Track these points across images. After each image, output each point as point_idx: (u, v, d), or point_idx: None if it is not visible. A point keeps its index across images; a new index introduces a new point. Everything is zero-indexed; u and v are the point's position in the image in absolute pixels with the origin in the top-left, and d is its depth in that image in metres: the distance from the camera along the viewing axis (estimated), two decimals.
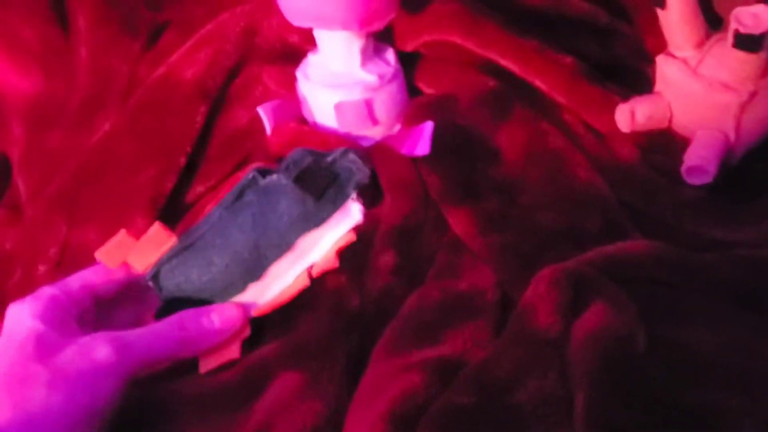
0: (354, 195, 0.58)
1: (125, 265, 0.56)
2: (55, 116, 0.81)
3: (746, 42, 0.63)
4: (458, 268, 0.65)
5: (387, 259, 0.66)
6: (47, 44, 0.84)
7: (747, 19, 0.63)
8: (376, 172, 0.73)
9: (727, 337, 0.55)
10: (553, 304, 0.53)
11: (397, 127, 0.76)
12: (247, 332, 0.57)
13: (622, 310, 0.52)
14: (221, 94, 0.78)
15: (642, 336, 0.51)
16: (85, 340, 0.49)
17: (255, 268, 0.56)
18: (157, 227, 0.56)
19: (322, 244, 0.58)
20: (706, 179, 0.69)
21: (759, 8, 0.63)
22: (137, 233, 0.57)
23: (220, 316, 0.54)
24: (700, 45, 0.69)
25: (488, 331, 0.58)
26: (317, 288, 0.63)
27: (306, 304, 0.63)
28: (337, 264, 0.59)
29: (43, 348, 0.48)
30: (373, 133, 0.75)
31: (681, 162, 0.69)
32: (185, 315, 0.54)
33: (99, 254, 0.55)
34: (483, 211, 0.68)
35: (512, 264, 0.63)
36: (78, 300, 0.53)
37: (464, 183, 0.70)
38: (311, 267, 0.58)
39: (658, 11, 0.69)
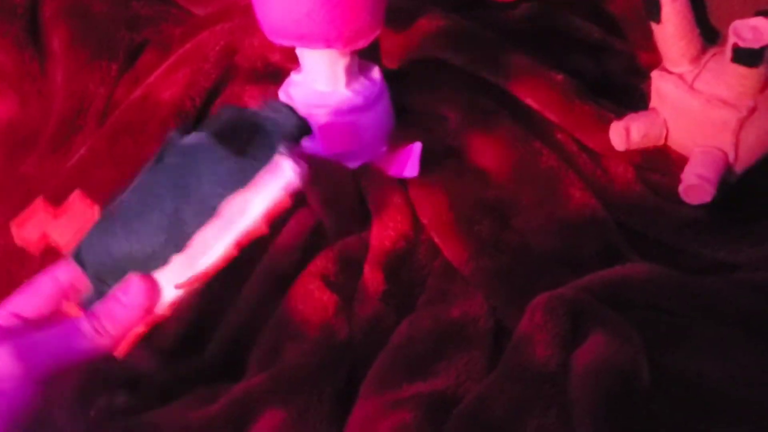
0: (282, 149, 0.49)
1: (44, 238, 0.52)
2: (30, 141, 0.79)
3: (745, 56, 0.61)
4: (450, 295, 0.63)
5: (376, 284, 0.63)
6: (22, 68, 0.82)
7: (746, 32, 0.61)
8: (363, 194, 0.70)
9: (734, 368, 0.52)
10: (551, 335, 0.51)
11: (385, 148, 0.74)
12: (167, 313, 0.51)
13: (625, 341, 0.50)
14: (201, 116, 0.76)
15: (645, 369, 0.49)
16: None
17: (177, 238, 0.48)
18: (77, 196, 0.50)
19: (251, 211, 0.49)
20: (705, 199, 0.67)
21: (758, 21, 0.61)
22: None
23: (125, 292, 0.50)
24: (696, 60, 0.68)
25: (482, 363, 0.56)
26: (304, 316, 0.61)
27: (293, 334, 0.61)
28: (266, 230, 0.50)
29: None
30: (360, 155, 0.73)
31: (678, 181, 0.68)
32: (94, 306, 0.50)
33: (14, 225, 0.50)
34: (474, 234, 0.66)
35: (505, 290, 0.61)
36: (4, 327, 0.50)
37: (455, 206, 0.68)
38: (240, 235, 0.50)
39: (653, 26, 0.67)
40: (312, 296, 0.62)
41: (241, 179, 0.48)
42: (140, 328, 0.49)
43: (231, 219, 0.49)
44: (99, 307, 0.49)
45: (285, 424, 0.52)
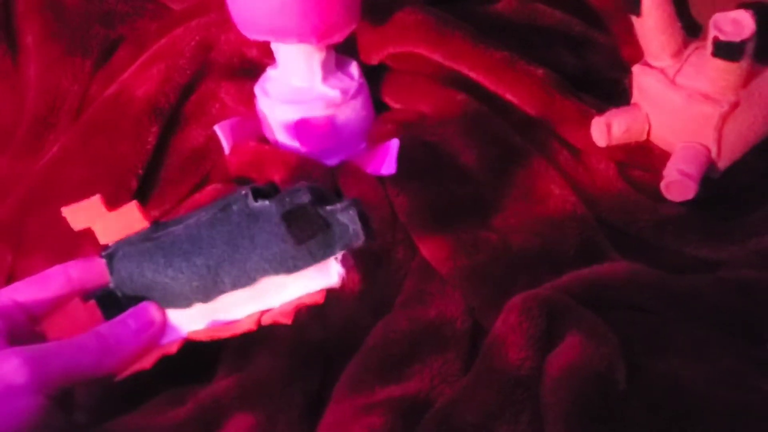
0: (339, 255, 0.49)
1: (86, 240, 0.52)
2: (2, 139, 0.78)
3: (726, 50, 0.60)
4: (427, 295, 0.62)
5: (351, 284, 0.62)
6: None
7: (727, 25, 0.60)
8: (341, 192, 0.69)
9: (713, 369, 0.51)
10: (525, 337, 0.49)
11: (363, 145, 0.72)
12: (173, 350, 0.52)
13: (601, 342, 0.49)
14: (176, 112, 0.74)
15: (622, 371, 0.48)
16: None
17: (208, 289, 0.50)
18: (133, 206, 0.51)
19: (285, 293, 0.51)
20: (687, 195, 0.65)
21: (739, 14, 0.59)
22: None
23: (136, 319, 0.50)
24: (678, 54, 0.66)
25: (457, 365, 0.55)
26: None
27: (265, 335, 0.60)
28: (290, 321, 0.51)
29: None
30: (337, 152, 0.71)
31: (660, 177, 0.66)
32: (101, 325, 0.50)
33: (66, 211, 0.51)
34: (452, 233, 0.65)
35: (483, 289, 0.60)
36: (5, 314, 0.49)
37: (433, 204, 0.67)
38: (264, 312, 0.53)
39: (633, 19, 0.66)
40: None
41: (291, 267, 0.49)
42: (145, 363, 0.50)
43: (263, 294, 0.50)
44: (106, 327, 0.50)
45: (254, 429, 0.51)
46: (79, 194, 0.70)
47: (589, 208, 0.67)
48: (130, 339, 0.50)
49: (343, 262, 0.49)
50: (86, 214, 0.51)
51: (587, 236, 0.65)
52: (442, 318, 0.59)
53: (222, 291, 0.50)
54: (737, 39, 0.59)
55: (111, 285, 0.51)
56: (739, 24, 0.59)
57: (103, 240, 0.51)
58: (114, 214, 0.51)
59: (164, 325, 0.51)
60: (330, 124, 0.70)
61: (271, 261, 0.49)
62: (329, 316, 0.61)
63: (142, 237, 0.51)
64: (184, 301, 0.50)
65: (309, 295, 0.50)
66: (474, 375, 0.50)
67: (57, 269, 0.52)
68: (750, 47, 0.60)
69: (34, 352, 0.47)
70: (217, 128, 0.72)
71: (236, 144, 0.72)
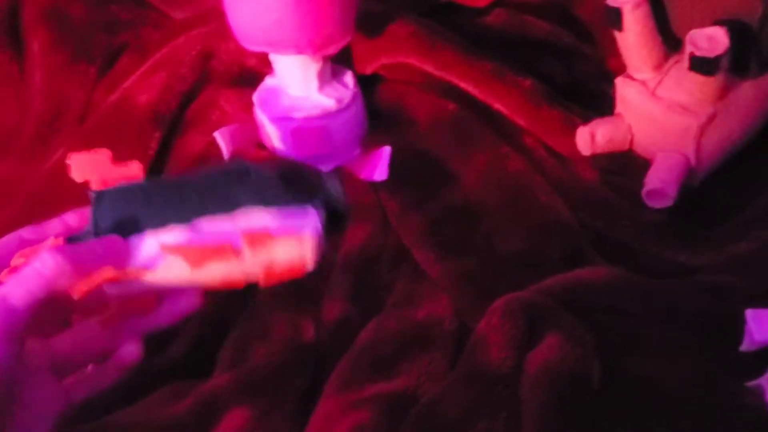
0: (318, 212, 0.49)
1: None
2: (7, 144, 0.80)
3: (702, 65, 0.62)
4: (416, 297, 0.64)
5: (344, 286, 0.64)
6: (1, 70, 0.82)
7: (702, 41, 0.62)
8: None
9: (689, 370, 0.53)
10: (506, 337, 0.52)
11: (357, 152, 0.75)
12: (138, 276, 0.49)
13: (577, 343, 0.51)
14: (177, 119, 0.77)
15: (597, 371, 0.50)
16: None
17: (189, 211, 0.49)
18: (136, 166, 0.50)
19: (255, 220, 0.49)
20: (667, 202, 0.68)
21: (714, 31, 0.62)
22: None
23: (103, 245, 0.47)
24: (658, 67, 0.69)
25: (443, 364, 0.57)
26: (272, 317, 0.62)
27: (260, 333, 0.62)
28: (261, 279, 0.49)
29: None
30: (332, 159, 0.74)
31: (642, 185, 0.69)
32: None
33: (73, 158, 0.50)
34: (442, 237, 0.67)
35: (469, 292, 0.62)
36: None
37: (423, 208, 0.69)
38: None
39: (616, 33, 0.68)
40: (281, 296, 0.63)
41: (270, 199, 0.49)
42: (108, 272, 0.47)
43: (237, 219, 0.49)
44: (65, 246, 0.47)
45: (249, 424, 0.53)
46: (82, 199, 0.73)
47: (573, 214, 0.69)
48: (88, 257, 0.46)
49: (317, 241, 0.49)
50: (91, 167, 0.51)
51: (571, 241, 0.67)
52: (430, 319, 0.61)
53: (201, 214, 0.49)
54: (712, 54, 0.61)
55: (90, 225, 0.49)
56: (714, 40, 0.62)
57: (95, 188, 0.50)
58: (116, 169, 0.50)
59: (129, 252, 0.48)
60: (325, 131, 0.72)
61: (255, 193, 0.49)
62: (322, 317, 0.63)
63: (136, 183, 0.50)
64: (160, 220, 0.49)
65: (286, 252, 0.49)
66: (457, 373, 0.53)
67: (55, 220, 0.51)
68: (725, 62, 0.62)
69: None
70: (217, 135, 0.74)
71: (235, 150, 0.74)
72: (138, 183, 0.50)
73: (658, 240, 0.68)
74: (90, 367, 0.52)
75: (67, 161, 0.50)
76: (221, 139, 0.74)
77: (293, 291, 0.64)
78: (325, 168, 0.73)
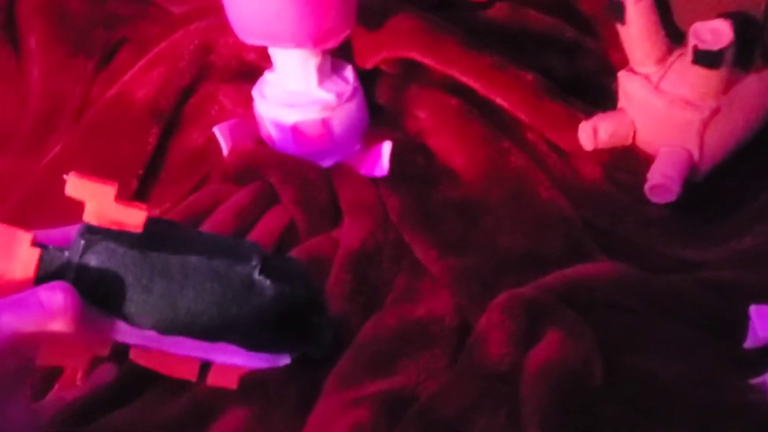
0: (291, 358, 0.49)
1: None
2: (4, 140, 0.79)
3: (705, 58, 0.61)
4: (417, 293, 0.63)
5: (344, 283, 0.64)
6: None
7: (706, 34, 0.61)
8: (335, 193, 0.71)
9: (691, 367, 0.53)
10: (506, 334, 0.51)
11: (357, 147, 0.74)
12: (105, 353, 0.48)
13: (579, 340, 0.50)
14: (175, 114, 0.76)
15: (598, 368, 0.49)
16: None
17: (172, 328, 0.47)
18: (141, 213, 0.46)
19: (233, 359, 0.49)
20: (670, 198, 0.67)
21: (718, 23, 0.61)
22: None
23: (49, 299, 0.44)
24: (661, 60, 0.68)
25: (444, 361, 0.56)
26: None
27: None
28: (236, 386, 0.50)
29: None
30: (332, 154, 0.73)
31: (645, 180, 0.68)
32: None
33: (71, 179, 0.46)
34: (443, 233, 0.67)
35: (471, 288, 0.62)
36: None
37: (424, 204, 0.69)
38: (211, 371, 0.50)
39: (618, 27, 0.68)
40: None
41: (258, 347, 0.48)
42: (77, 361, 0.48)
43: (214, 351, 0.48)
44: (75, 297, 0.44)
45: (248, 422, 0.53)
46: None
47: (575, 210, 0.68)
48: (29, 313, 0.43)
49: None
50: (91, 193, 0.46)
51: (573, 237, 0.67)
52: (430, 315, 0.61)
53: (184, 335, 0.48)
54: (716, 47, 0.61)
55: (69, 254, 0.46)
56: (718, 33, 0.61)
57: (89, 220, 0.46)
58: (118, 209, 0.46)
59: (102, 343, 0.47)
60: (325, 126, 0.71)
61: (246, 336, 0.48)
62: None
63: (132, 241, 0.46)
64: (140, 323, 0.47)
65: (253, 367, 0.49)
66: (457, 370, 0.52)
67: (61, 231, 0.48)
68: (729, 55, 0.62)
69: None
70: (216, 130, 0.73)
71: (234, 145, 0.73)
72: (136, 239, 0.46)
73: (661, 236, 0.67)
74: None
75: (66, 177, 0.46)
76: (220, 134, 0.74)
77: None
78: (325, 163, 0.73)
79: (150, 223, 0.46)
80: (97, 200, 0.46)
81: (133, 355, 0.48)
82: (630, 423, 0.48)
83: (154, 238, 0.47)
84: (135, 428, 0.55)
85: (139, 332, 0.47)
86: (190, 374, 0.49)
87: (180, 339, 0.48)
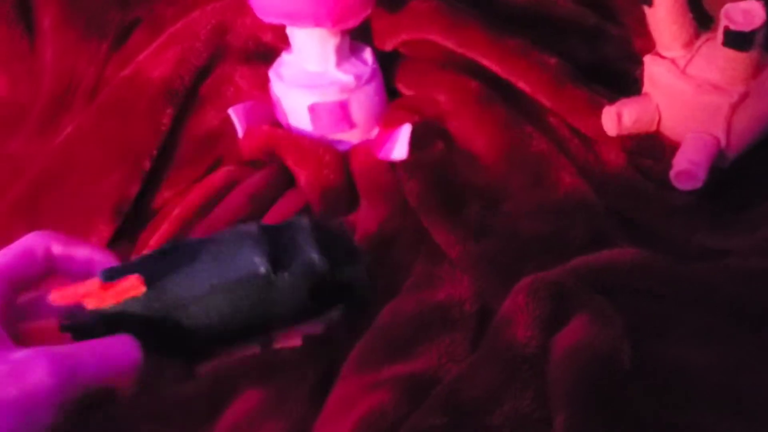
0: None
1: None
2: (18, 120, 0.79)
3: (736, 40, 0.60)
4: (436, 278, 0.62)
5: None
6: (11, 47, 0.81)
7: (737, 15, 0.60)
8: (352, 176, 0.70)
9: (719, 355, 0.52)
10: (532, 316, 0.50)
11: (375, 131, 0.73)
12: None
13: (607, 323, 0.49)
14: (191, 95, 0.75)
15: (627, 352, 0.48)
16: (20, 357, 0.40)
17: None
18: (138, 283, 0.43)
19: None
20: (696, 184, 0.66)
21: (750, 4, 0.60)
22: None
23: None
24: (689, 45, 0.67)
25: (464, 345, 0.55)
26: None
27: None
28: (300, 343, 0.48)
29: None
30: (350, 137, 0.72)
31: (670, 166, 0.67)
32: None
33: (53, 296, 0.42)
34: (463, 218, 0.65)
35: (492, 273, 0.60)
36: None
37: (444, 189, 0.67)
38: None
39: (645, 9, 0.66)
40: None
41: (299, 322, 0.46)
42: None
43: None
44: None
45: (263, 404, 0.52)
46: (93, 174, 0.72)
47: (598, 196, 0.67)
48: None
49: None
50: (78, 294, 0.44)
51: (596, 224, 0.65)
52: (450, 300, 0.60)
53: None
54: (748, 29, 0.59)
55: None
56: (750, 14, 0.60)
57: (92, 307, 0.44)
58: (112, 291, 0.44)
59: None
60: (343, 108, 0.70)
61: (289, 321, 0.46)
62: None
63: (146, 305, 0.44)
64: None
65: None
66: (481, 353, 0.51)
67: (84, 246, 0.45)
68: (760, 37, 0.60)
69: (65, 360, 0.40)
70: (231, 111, 0.73)
71: (250, 127, 0.73)
72: (143, 301, 0.44)
73: (686, 223, 0.66)
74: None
75: (50, 297, 0.43)
76: (235, 115, 0.73)
77: None
78: (342, 146, 0.72)
79: (148, 277, 0.44)
80: (90, 296, 0.43)
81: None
82: (660, 410, 0.46)
83: (159, 289, 0.44)
84: (150, 410, 0.54)
85: None
86: (251, 351, 0.47)
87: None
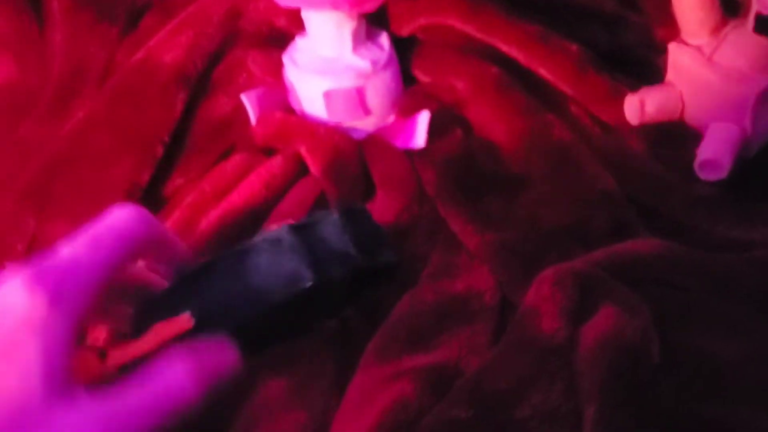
0: None
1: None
2: (28, 105, 0.77)
3: None
4: (454, 269, 0.61)
5: None
6: (20, 31, 0.80)
7: None
8: (368, 165, 0.69)
9: (746, 346, 0.51)
10: (558, 307, 0.49)
11: (391, 118, 0.72)
12: None
13: (635, 314, 0.48)
14: (203, 80, 0.74)
15: (656, 344, 0.47)
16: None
17: None
18: (187, 316, 0.42)
19: None
20: (721, 175, 0.64)
21: None
22: None
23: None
24: (715, 32, 0.65)
25: (486, 337, 0.54)
26: None
27: None
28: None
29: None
30: (365, 124, 0.71)
31: (693, 156, 0.65)
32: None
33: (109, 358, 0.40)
34: (482, 207, 0.64)
35: (512, 264, 0.59)
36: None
37: (462, 178, 0.66)
38: None
39: None
40: None
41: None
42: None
43: None
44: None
45: (285, 395, 0.51)
46: (104, 160, 0.71)
47: (620, 186, 0.66)
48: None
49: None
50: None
51: (618, 214, 0.64)
52: (470, 291, 0.59)
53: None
54: None
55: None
56: None
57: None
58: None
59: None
60: (359, 95, 0.69)
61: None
62: None
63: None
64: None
65: None
66: (506, 344, 0.50)
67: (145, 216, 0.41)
68: None
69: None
70: (244, 97, 0.71)
71: (263, 114, 0.71)
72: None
73: (710, 214, 0.65)
74: None
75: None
76: (248, 101, 0.72)
77: None
78: (357, 134, 0.70)
79: (194, 303, 0.42)
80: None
81: None
82: (690, 402, 0.45)
83: (205, 315, 0.42)
84: None
85: None
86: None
87: None
